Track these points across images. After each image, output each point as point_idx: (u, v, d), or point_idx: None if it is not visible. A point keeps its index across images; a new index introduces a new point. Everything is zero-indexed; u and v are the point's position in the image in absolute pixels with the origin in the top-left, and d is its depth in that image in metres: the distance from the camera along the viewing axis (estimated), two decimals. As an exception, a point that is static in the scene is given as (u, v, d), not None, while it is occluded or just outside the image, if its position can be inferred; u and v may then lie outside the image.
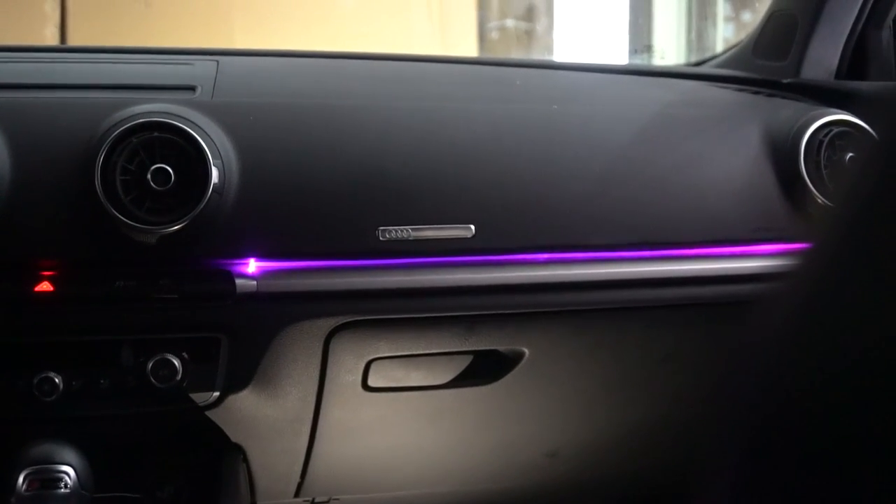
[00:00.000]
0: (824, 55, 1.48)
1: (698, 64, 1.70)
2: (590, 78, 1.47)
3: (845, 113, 1.32)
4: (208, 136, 1.14)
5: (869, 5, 1.45)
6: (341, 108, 1.24)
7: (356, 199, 1.18)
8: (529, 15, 4.51)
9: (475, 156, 1.22)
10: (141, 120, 1.12)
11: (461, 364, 1.29)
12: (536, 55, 4.52)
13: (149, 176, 1.10)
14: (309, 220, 1.17)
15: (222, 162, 1.13)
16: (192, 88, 1.23)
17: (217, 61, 1.32)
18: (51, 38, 2.97)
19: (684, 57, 4.44)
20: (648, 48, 4.08)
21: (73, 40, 2.95)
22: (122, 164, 1.10)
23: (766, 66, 1.52)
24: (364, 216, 1.18)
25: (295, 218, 1.17)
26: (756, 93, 1.45)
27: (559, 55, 4.43)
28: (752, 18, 4.74)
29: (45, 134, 1.14)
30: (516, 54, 4.47)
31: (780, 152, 1.31)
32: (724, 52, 1.67)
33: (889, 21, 1.48)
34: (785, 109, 1.37)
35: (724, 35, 4.55)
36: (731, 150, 1.31)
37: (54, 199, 1.12)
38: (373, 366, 1.25)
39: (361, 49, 3.16)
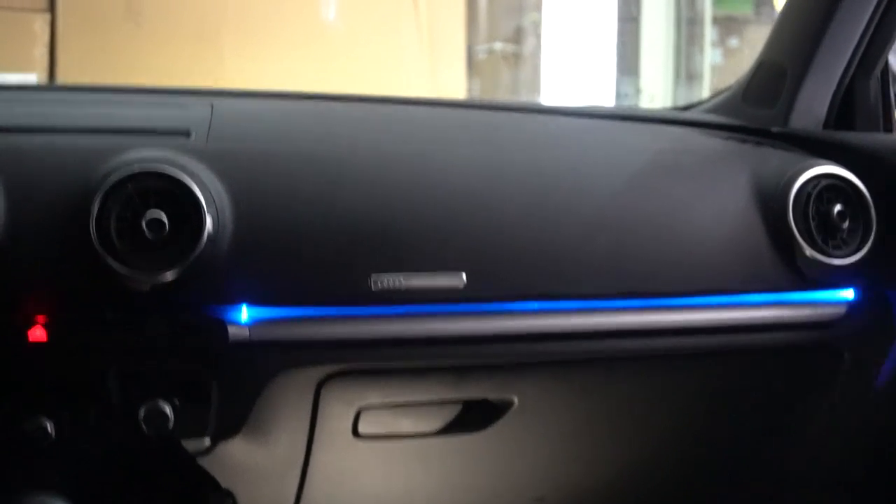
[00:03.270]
0: (813, 104, 1.49)
1: (687, 108, 1.72)
2: (579, 124, 1.48)
3: (833, 165, 1.34)
4: (203, 183, 1.14)
5: (858, 56, 1.46)
6: (334, 154, 1.24)
7: (349, 247, 1.18)
8: (517, 37, 4.53)
9: (466, 203, 1.23)
10: (136, 168, 1.12)
11: (451, 412, 1.30)
12: (524, 77, 4.54)
13: (143, 224, 1.10)
14: (302, 267, 1.17)
15: (216, 209, 1.14)
16: (186, 133, 1.24)
17: (211, 104, 1.32)
18: (40, 57, 2.97)
19: (672, 79, 4.47)
20: (637, 92, 4.10)
21: (63, 60, 2.95)
22: (116, 212, 1.11)
23: (756, 113, 1.54)
24: (356, 263, 1.18)
25: (288, 265, 1.17)
26: (744, 141, 1.46)
27: (547, 77, 4.46)
28: (739, 43, 4.77)
29: (40, 180, 1.15)
30: (504, 76, 4.50)
31: (769, 203, 1.32)
32: (714, 96, 1.68)
33: (877, 72, 1.50)
34: (774, 160, 1.38)
35: (712, 60, 4.58)
36: (720, 200, 1.33)
37: (49, 246, 1.12)
38: (363, 413, 1.26)
39: (350, 70, 3.17)
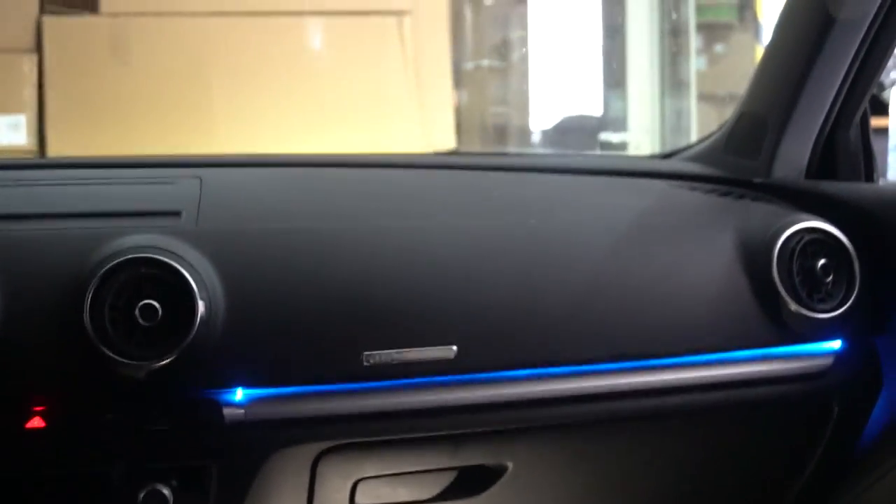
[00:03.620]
0: (794, 154, 1.51)
1: (670, 155, 1.73)
2: (565, 183, 1.50)
3: (816, 219, 1.36)
4: (194, 268, 1.16)
5: (837, 105, 1.48)
6: (324, 231, 1.26)
7: (341, 325, 1.20)
8: (504, 51, 4.54)
9: (455, 275, 1.25)
10: (128, 256, 1.14)
11: (447, 478, 1.31)
12: (512, 88, 4.55)
13: (136, 312, 1.12)
14: (294, 347, 1.19)
15: (208, 294, 1.15)
16: (177, 214, 1.25)
17: (200, 178, 1.34)
18: (29, 98, 2.98)
19: (658, 88, 4.48)
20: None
21: (52, 100, 2.96)
22: (110, 301, 1.12)
23: (738, 163, 1.55)
24: (348, 341, 1.20)
25: (281, 346, 1.19)
26: (727, 194, 1.48)
27: (534, 90, 4.46)
28: (725, 50, 4.78)
29: (34, 270, 1.16)
30: (492, 89, 4.50)
31: (753, 260, 1.34)
32: (697, 143, 1.70)
33: (856, 120, 1.51)
34: (757, 215, 1.40)
35: (697, 67, 4.59)
36: (705, 258, 1.34)
37: (43, 336, 1.14)
38: (360, 484, 1.28)
39: (337, 95, 3.17)
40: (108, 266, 1.13)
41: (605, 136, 4.41)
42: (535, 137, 4.46)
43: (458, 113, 3.70)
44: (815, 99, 1.48)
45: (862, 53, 1.45)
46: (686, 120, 4.45)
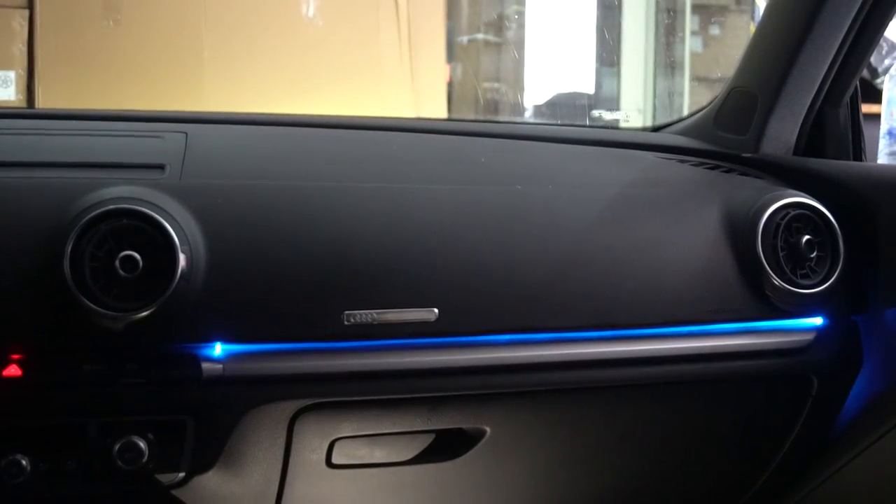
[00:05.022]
0: (783, 131, 1.51)
1: (660, 128, 1.73)
2: (554, 152, 1.49)
3: (802, 195, 1.36)
4: (176, 221, 1.15)
5: (827, 84, 1.48)
6: (309, 190, 1.25)
7: (322, 284, 1.20)
8: (499, 26, 4.52)
9: (440, 239, 1.25)
10: (110, 206, 1.13)
11: (424, 441, 1.31)
12: (506, 63, 4.54)
13: (117, 263, 1.11)
14: (275, 305, 1.19)
15: (190, 248, 1.15)
16: (161, 167, 1.25)
17: (186, 134, 1.33)
18: (19, 55, 2.95)
19: (652, 68, 4.47)
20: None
21: (42, 57, 2.93)
22: (90, 252, 1.12)
23: (727, 138, 1.55)
24: (329, 301, 1.19)
25: (261, 303, 1.18)
26: (715, 167, 1.47)
27: (529, 65, 4.45)
28: (720, 33, 4.78)
29: (13, 217, 1.15)
30: (485, 63, 4.49)
31: (738, 234, 1.34)
32: (687, 117, 1.69)
33: (846, 99, 1.51)
34: (743, 189, 1.39)
35: (692, 48, 4.58)
36: (690, 231, 1.34)
37: (23, 284, 1.13)
38: (337, 444, 1.28)
39: (330, 62, 3.16)
40: (89, 216, 1.12)
41: (597, 114, 4.39)
42: (527, 113, 4.45)
43: (451, 86, 3.68)
44: (806, 76, 1.47)
45: (853, 32, 1.45)
46: (679, 101, 4.44)
